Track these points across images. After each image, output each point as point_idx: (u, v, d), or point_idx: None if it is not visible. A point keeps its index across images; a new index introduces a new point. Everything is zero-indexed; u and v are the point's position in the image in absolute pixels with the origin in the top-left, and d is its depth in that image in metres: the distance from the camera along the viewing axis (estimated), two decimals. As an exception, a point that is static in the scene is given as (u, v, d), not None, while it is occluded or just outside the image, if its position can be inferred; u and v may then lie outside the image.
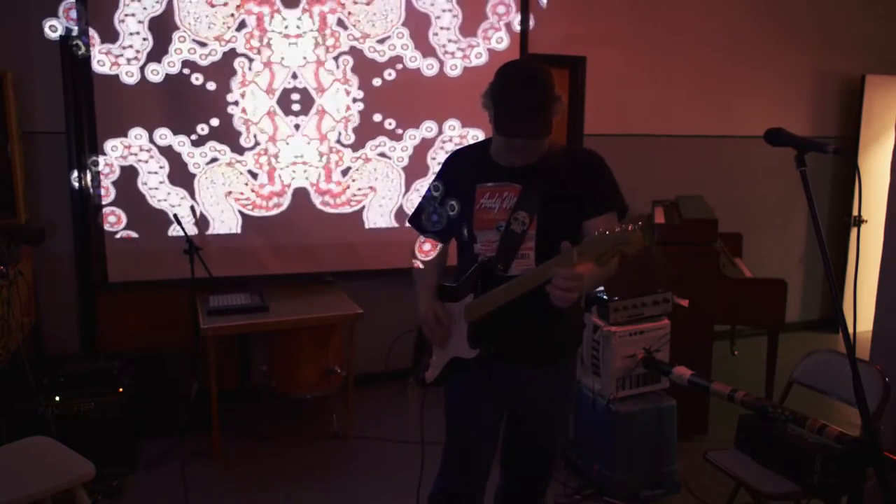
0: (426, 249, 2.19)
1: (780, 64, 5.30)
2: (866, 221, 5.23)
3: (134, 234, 3.85)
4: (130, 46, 3.69)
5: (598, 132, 4.86)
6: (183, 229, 3.68)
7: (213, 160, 3.93)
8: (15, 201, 3.53)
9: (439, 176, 2.13)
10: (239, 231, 4.03)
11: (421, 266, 2.18)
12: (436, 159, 4.34)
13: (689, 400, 3.37)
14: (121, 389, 3.33)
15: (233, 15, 3.83)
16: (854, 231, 5.33)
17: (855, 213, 5.23)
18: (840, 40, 5.44)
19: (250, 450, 3.64)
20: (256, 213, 4.05)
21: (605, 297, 3.18)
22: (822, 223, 1.74)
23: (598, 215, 1.93)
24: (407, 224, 2.27)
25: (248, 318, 3.52)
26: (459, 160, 2.11)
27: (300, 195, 4.11)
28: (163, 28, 3.73)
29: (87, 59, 3.64)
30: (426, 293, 2.11)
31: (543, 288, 1.71)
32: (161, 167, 3.86)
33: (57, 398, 3.22)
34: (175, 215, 3.78)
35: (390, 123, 4.21)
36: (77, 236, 3.87)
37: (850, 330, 1.57)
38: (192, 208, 3.89)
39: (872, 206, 5.02)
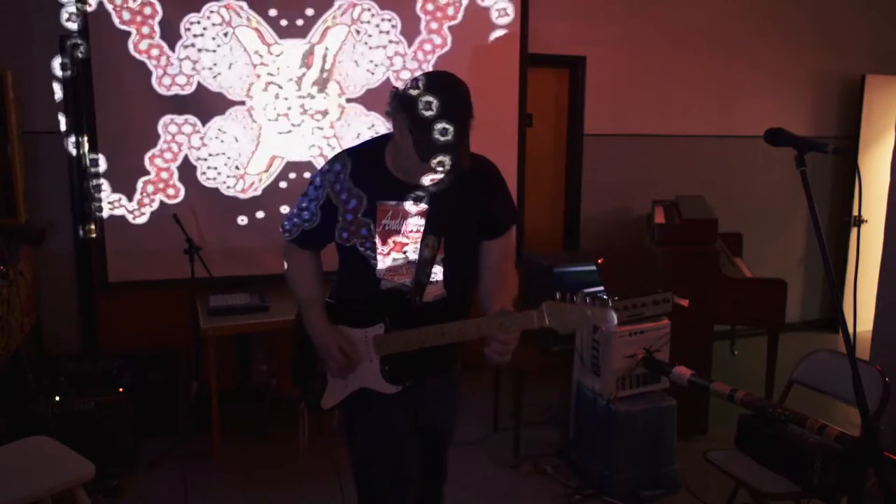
0: (302, 261, 2.03)
1: (780, 64, 5.29)
2: (866, 221, 5.23)
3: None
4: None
5: (598, 132, 4.86)
6: (183, 229, 3.67)
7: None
8: (15, 201, 3.54)
9: (329, 181, 1.88)
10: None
11: (301, 280, 2.02)
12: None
13: (689, 400, 3.37)
14: (121, 389, 3.33)
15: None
16: (854, 231, 5.32)
17: (855, 213, 5.23)
18: (840, 40, 5.44)
19: (250, 450, 3.64)
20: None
21: (605, 297, 3.18)
22: (822, 223, 1.73)
23: (502, 234, 1.95)
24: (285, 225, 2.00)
25: (248, 318, 3.52)
26: (353, 167, 1.87)
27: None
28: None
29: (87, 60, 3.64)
30: (318, 315, 1.96)
31: (460, 308, 1.88)
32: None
33: (57, 398, 3.22)
34: (175, 215, 3.77)
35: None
36: (77, 236, 3.87)
37: (850, 330, 1.57)
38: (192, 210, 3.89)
39: (872, 206, 5.01)
